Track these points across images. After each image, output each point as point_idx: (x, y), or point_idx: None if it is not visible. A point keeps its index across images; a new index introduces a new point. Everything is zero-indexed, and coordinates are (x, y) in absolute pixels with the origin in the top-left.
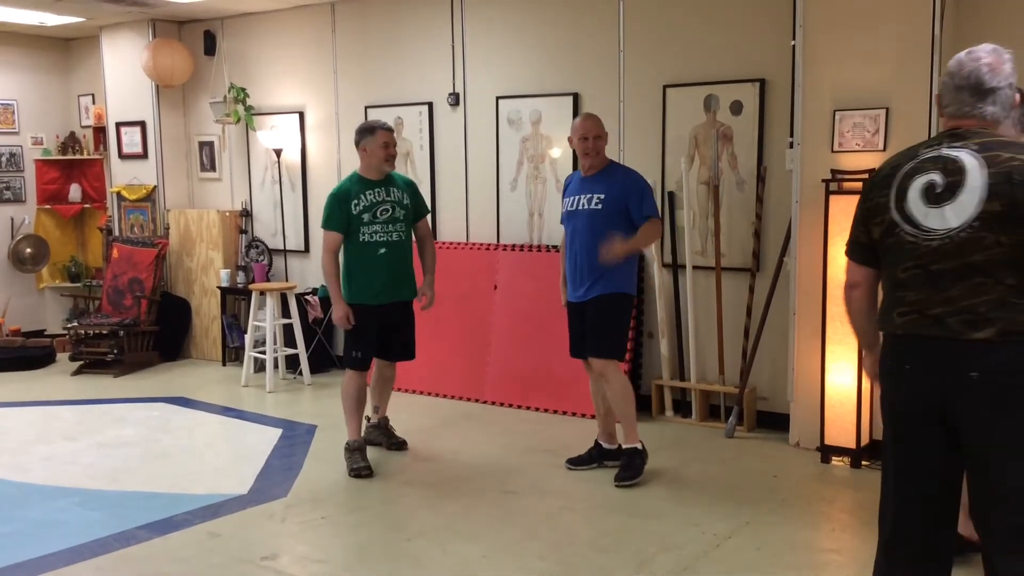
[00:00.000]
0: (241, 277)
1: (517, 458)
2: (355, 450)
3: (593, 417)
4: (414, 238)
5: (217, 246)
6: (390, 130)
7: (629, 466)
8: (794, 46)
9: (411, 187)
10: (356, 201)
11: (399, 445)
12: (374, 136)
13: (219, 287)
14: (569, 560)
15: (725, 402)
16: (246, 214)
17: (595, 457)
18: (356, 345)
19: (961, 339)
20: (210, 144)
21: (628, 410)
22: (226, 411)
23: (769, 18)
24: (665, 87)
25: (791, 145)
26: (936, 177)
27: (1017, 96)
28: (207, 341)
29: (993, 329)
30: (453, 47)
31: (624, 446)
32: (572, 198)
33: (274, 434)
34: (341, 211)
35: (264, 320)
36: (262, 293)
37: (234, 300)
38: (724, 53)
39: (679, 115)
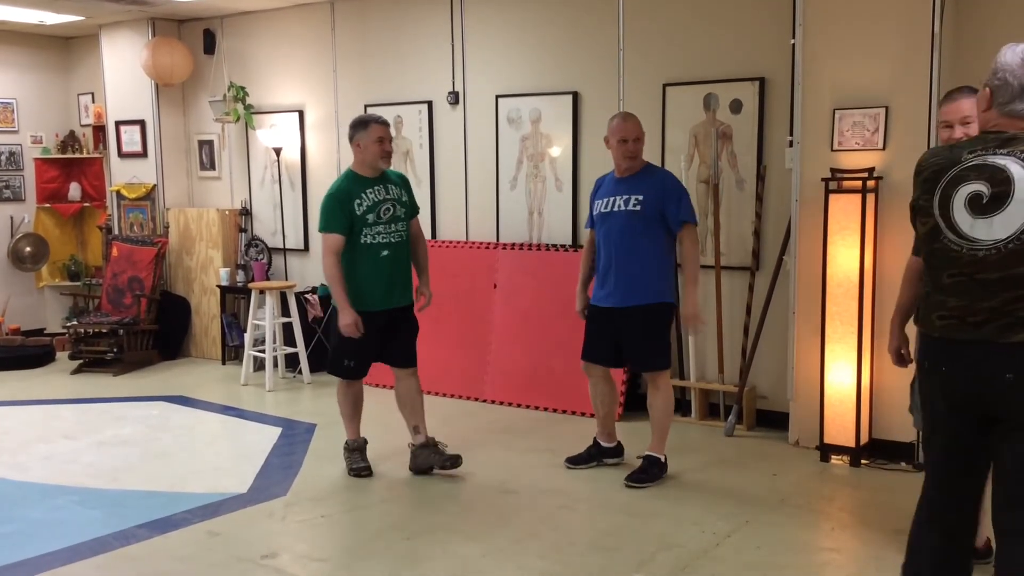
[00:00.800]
0: (241, 276)
1: (517, 457)
2: (354, 450)
3: (593, 416)
4: None
5: (217, 245)
6: (385, 124)
7: (646, 471)
8: (794, 45)
9: (406, 183)
10: (359, 201)
11: (453, 461)
12: (367, 130)
13: (219, 286)
14: (569, 560)
15: (725, 401)
16: (246, 213)
17: (594, 455)
18: (351, 354)
19: (999, 342)
20: (210, 143)
21: (667, 421)
22: (226, 410)
23: (769, 17)
24: (665, 86)
25: (791, 144)
26: (982, 187)
27: None
28: (207, 340)
29: None
30: (453, 46)
31: (649, 453)
32: (607, 199)
33: (274, 433)
34: (342, 212)
35: (264, 319)
36: (262, 292)
37: (234, 299)
38: (724, 52)
39: (679, 114)
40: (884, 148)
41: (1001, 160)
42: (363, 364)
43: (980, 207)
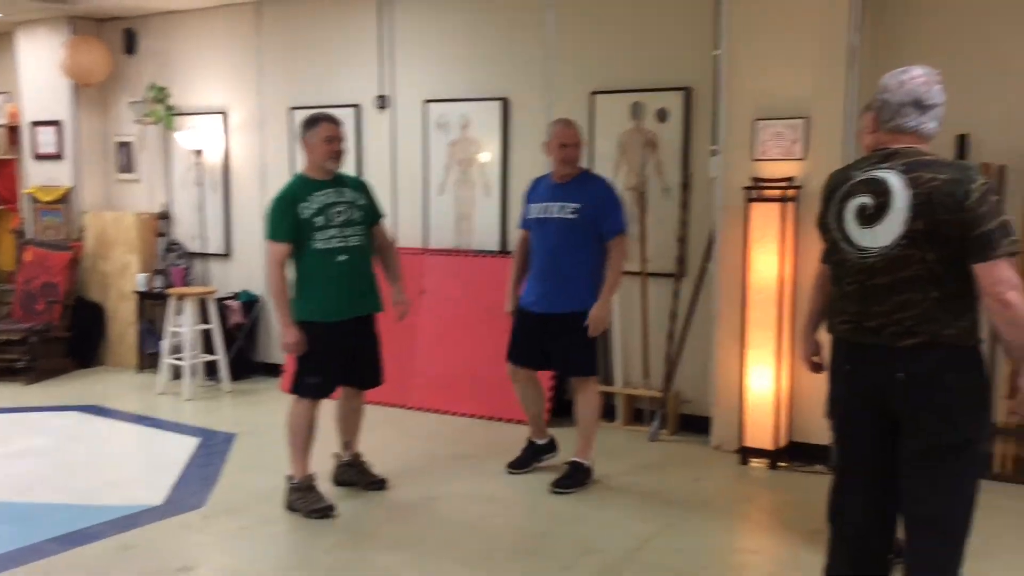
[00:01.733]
0: (159, 281)
1: (442, 464)
2: (307, 489)
3: (520, 422)
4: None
5: (134, 249)
6: (335, 122)
7: (572, 476)
8: (717, 56)
9: (364, 187)
10: (305, 204)
11: (379, 484)
12: (315, 129)
13: (136, 291)
14: (492, 566)
15: (649, 406)
16: (165, 217)
17: (531, 456)
18: (315, 370)
19: (892, 346)
20: (128, 145)
21: (594, 427)
22: (141, 419)
23: (694, 28)
24: (593, 94)
25: (714, 153)
26: (867, 200)
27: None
28: (123, 347)
29: (919, 339)
30: (381, 49)
31: (575, 459)
32: (543, 204)
33: (191, 443)
34: (286, 217)
35: (182, 325)
36: (180, 298)
37: (151, 305)
38: (650, 61)
39: (607, 122)
40: (804, 158)
41: (882, 174)
42: (329, 381)
43: (866, 218)
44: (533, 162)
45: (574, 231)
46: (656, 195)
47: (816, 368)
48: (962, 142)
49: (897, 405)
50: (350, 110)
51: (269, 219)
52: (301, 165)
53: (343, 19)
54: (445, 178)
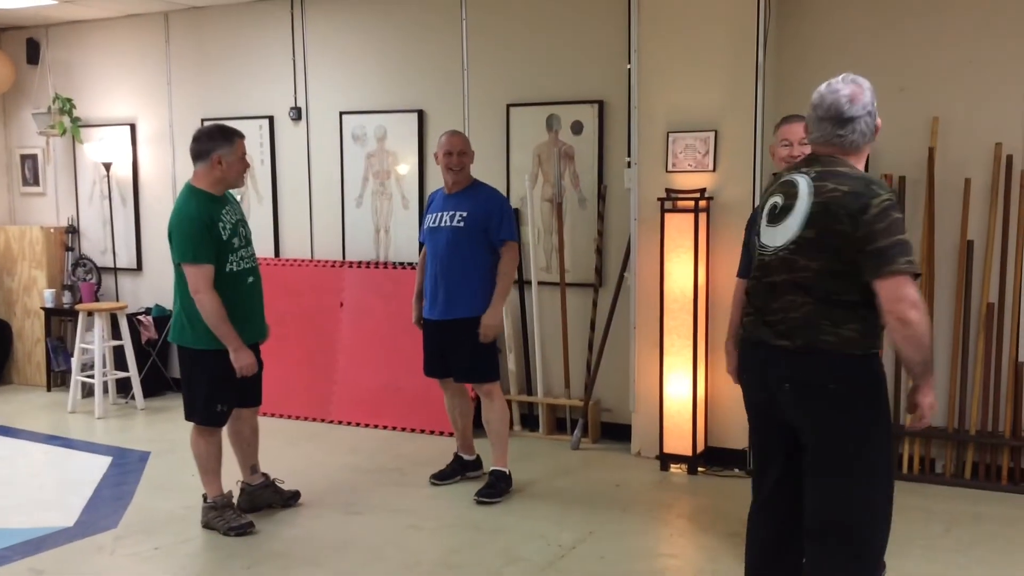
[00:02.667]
0: (67, 297)
1: (364, 478)
2: (224, 507)
3: (443, 433)
4: None
5: (41, 264)
6: (244, 137)
7: (494, 485)
8: (630, 70)
9: (238, 202)
10: (221, 224)
11: (295, 497)
12: (233, 146)
13: (43, 308)
14: None
15: (571, 415)
16: (72, 231)
17: (457, 470)
18: (222, 397)
19: (778, 347)
20: (33, 157)
21: (505, 433)
22: (51, 439)
23: (607, 42)
24: (509, 106)
25: (629, 164)
26: (779, 199)
27: (879, 121)
28: (30, 366)
29: (798, 343)
30: (294, 60)
31: (494, 468)
32: (435, 215)
33: (103, 462)
34: (211, 238)
35: (92, 342)
36: (90, 314)
37: (60, 321)
38: (564, 74)
39: (522, 134)
40: (714, 169)
41: (798, 177)
42: (231, 407)
43: (774, 216)
44: None
45: (463, 239)
46: (573, 206)
47: None
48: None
49: (786, 414)
50: (264, 121)
51: (188, 240)
52: (191, 178)
53: (255, 29)
54: (362, 190)
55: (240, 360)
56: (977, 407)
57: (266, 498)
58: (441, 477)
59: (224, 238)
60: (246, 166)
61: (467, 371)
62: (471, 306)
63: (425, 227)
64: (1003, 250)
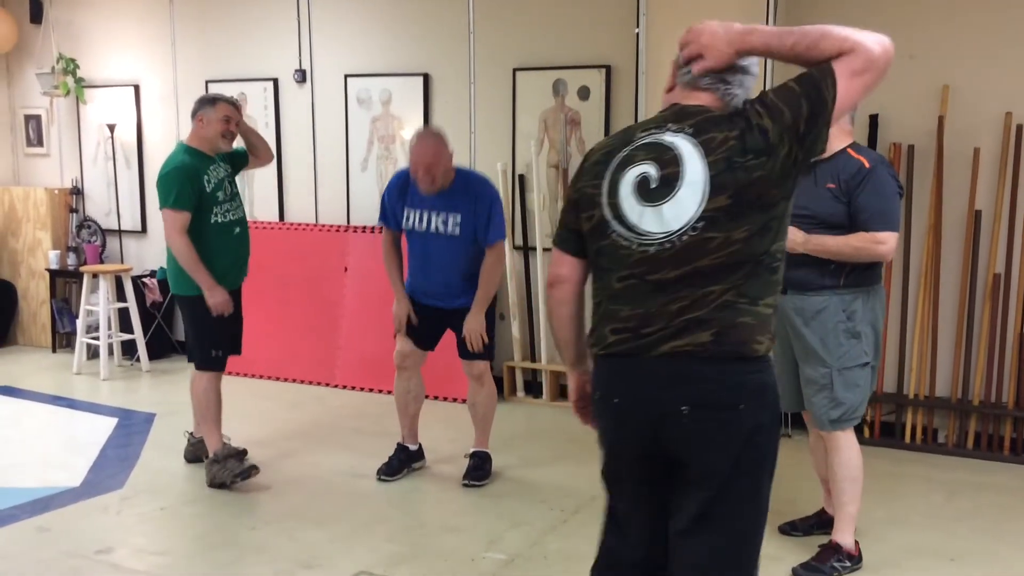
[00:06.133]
0: (72, 259)
1: (367, 442)
2: (228, 456)
3: (445, 399)
4: None
5: (45, 226)
6: (236, 105)
7: (481, 467)
8: (638, 34)
9: (229, 160)
10: (206, 177)
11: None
12: (214, 108)
13: (48, 269)
14: (419, 541)
15: None
16: (77, 192)
17: (404, 461)
18: (218, 341)
19: (672, 359)
20: (37, 118)
21: (491, 417)
22: (57, 400)
23: (614, 6)
24: (515, 70)
25: None
26: (650, 169)
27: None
28: (35, 327)
29: (707, 348)
30: (299, 21)
31: (478, 449)
32: (422, 213)
33: (109, 423)
34: (193, 188)
35: (97, 304)
36: (95, 276)
37: (65, 283)
38: (572, 39)
39: (529, 98)
40: None
41: (670, 137)
42: (227, 352)
43: (648, 193)
44: (455, 139)
45: (462, 245)
46: None
47: (587, 414)
48: (872, 123)
49: (680, 454)
50: (268, 84)
51: (171, 187)
52: (185, 137)
53: None
54: (367, 154)
55: (214, 297)
56: (981, 378)
57: (202, 450)
58: (390, 472)
59: (208, 190)
60: (227, 128)
61: (464, 347)
62: (471, 296)
63: (406, 223)
64: (1011, 221)
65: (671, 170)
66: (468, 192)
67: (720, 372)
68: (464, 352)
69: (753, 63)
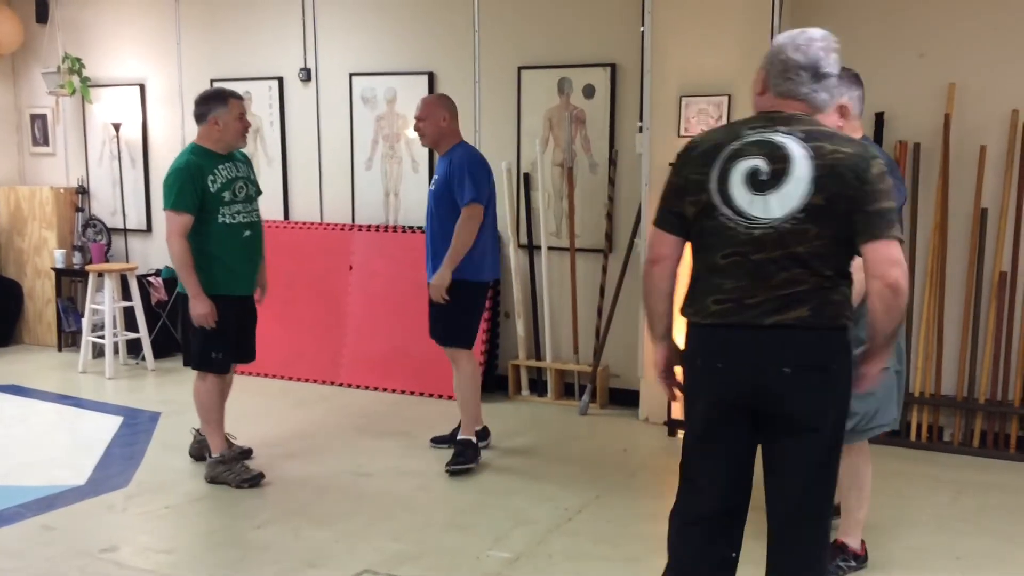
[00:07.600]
0: (77, 258)
1: (373, 440)
2: (233, 459)
3: (451, 398)
4: None
5: (51, 225)
6: (241, 99)
7: (461, 454)
8: (643, 33)
9: (250, 162)
10: (212, 177)
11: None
12: (227, 107)
13: (53, 268)
14: (424, 540)
15: (579, 380)
16: (82, 191)
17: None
18: (218, 344)
19: (775, 326)
20: (43, 117)
21: (471, 401)
22: (62, 399)
23: (619, 4)
24: (520, 69)
25: (640, 129)
26: (761, 163)
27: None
28: (41, 326)
29: (807, 321)
30: (304, 20)
31: (460, 436)
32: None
33: (114, 422)
34: (194, 189)
35: (103, 303)
36: (100, 275)
37: (70, 282)
38: (577, 37)
39: (534, 97)
40: None
41: (780, 138)
42: (229, 355)
43: (758, 183)
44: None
45: (438, 202)
46: (584, 171)
47: (673, 385)
48: (879, 120)
49: (777, 410)
50: (273, 82)
51: (172, 189)
52: (195, 138)
53: None
54: (372, 153)
55: (196, 308)
56: (987, 376)
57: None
58: (439, 440)
59: (212, 190)
60: (245, 125)
61: (438, 334)
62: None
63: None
64: (1017, 219)
65: (780, 166)
66: (452, 157)
67: (819, 338)
68: (433, 331)
69: (830, 63)
